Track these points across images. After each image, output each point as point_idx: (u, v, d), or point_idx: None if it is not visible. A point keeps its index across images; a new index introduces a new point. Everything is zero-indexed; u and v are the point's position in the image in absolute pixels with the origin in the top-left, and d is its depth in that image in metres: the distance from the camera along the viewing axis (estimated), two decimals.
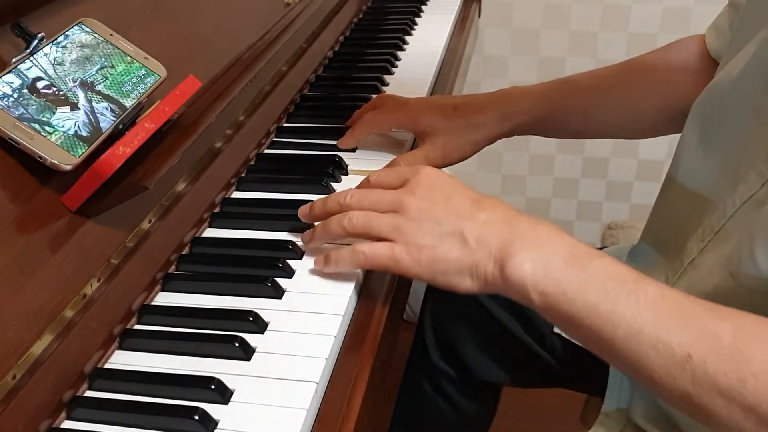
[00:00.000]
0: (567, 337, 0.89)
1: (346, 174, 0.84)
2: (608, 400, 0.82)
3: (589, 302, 0.53)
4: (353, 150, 0.88)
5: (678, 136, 0.77)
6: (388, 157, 0.86)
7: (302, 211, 0.69)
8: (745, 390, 0.47)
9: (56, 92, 0.59)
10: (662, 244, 0.78)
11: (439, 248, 0.59)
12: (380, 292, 0.68)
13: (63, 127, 0.58)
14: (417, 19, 1.32)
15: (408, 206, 0.61)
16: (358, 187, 0.69)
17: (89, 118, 0.60)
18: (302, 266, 0.68)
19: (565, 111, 0.87)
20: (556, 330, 0.90)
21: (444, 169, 0.74)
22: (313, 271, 0.68)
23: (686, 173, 0.73)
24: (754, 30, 0.68)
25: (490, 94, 0.88)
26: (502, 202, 0.61)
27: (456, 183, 0.63)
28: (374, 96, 1.01)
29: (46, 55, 0.60)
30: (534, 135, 0.90)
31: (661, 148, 1.82)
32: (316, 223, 0.69)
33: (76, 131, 0.58)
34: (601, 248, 0.99)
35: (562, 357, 0.93)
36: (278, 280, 0.66)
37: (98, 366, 0.59)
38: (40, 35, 0.60)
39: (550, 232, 0.58)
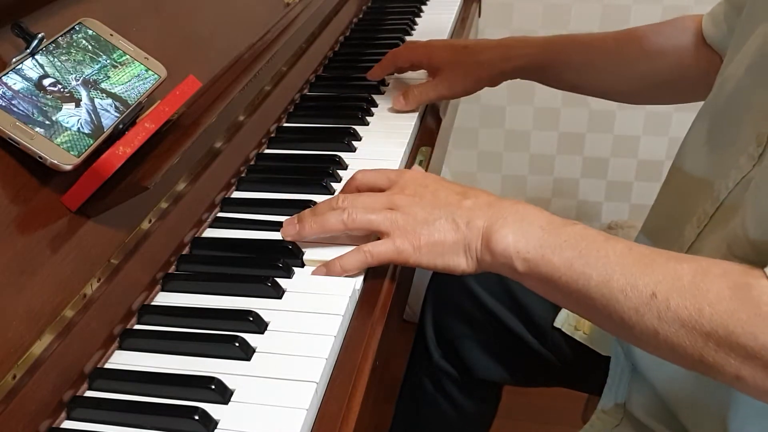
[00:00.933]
0: (568, 333, 0.90)
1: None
2: (606, 395, 0.82)
3: (565, 260, 0.59)
4: (353, 150, 0.88)
5: (678, 135, 0.78)
6: (388, 156, 0.86)
7: (287, 229, 0.70)
8: (703, 318, 0.53)
9: (57, 92, 0.59)
10: (660, 234, 0.79)
11: (435, 234, 0.64)
12: (380, 292, 0.68)
13: (63, 127, 0.58)
14: (417, 19, 1.32)
15: (400, 204, 0.66)
16: (345, 187, 0.74)
17: (90, 119, 0.60)
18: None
19: (560, 63, 0.95)
20: (557, 325, 0.90)
21: (445, 170, 0.76)
22: (313, 272, 0.68)
23: (690, 162, 0.75)
24: (755, 25, 0.69)
25: (497, 40, 0.98)
26: (484, 190, 0.68)
27: (439, 179, 0.69)
28: (375, 96, 1.01)
29: (46, 55, 0.60)
30: (531, 80, 0.99)
31: (661, 148, 1.82)
32: (301, 228, 0.70)
33: (76, 131, 0.58)
34: None
35: (563, 355, 0.93)
36: (278, 280, 0.66)
37: (98, 366, 0.59)
38: (40, 35, 0.60)
39: (528, 208, 0.64)
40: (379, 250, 0.65)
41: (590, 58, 0.95)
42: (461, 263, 0.65)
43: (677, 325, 0.54)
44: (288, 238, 0.69)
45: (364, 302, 0.66)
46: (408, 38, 1.23)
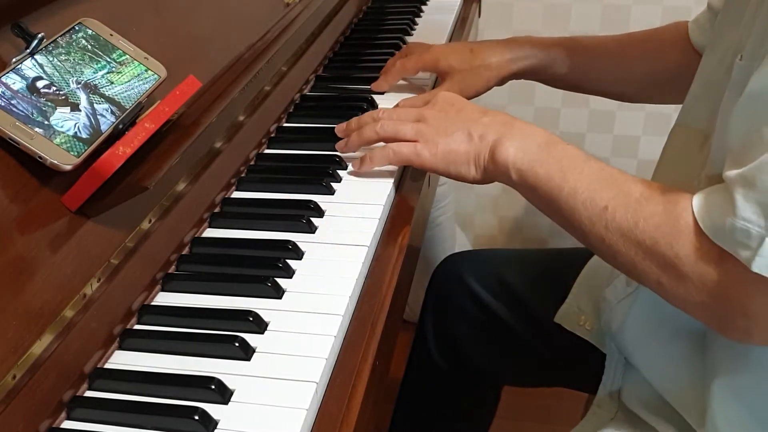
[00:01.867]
0: (567, 329, 0.90)
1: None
2: (601, 390, 0.83)
3: (547, 173, 0.69)
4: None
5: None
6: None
7: (339, 127, 0.85)
8: (637, 229, 0.63)
9: (56, 92, 0.59)
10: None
11: (451, 143, 0.74)
12: (380, 292, 0.68)
13: (63, 127, 0.58)
14: (417, 19, 1.32)
15: (428, 116, 0.77)
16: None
17: (89, 119, 0.60)
18: (302, 266, 0.68)
19: (564, 64, 1.00)
20: (557, 320, 0.91)
21: None
22: (313, 272, 0.68)
23: (690, 116, 0.80)
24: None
25: (502, 40, 1.03)
26: (505, 113, 0.76)
27: (468, 101, 0.80)
28: (375, 96, 1.01)
29: (46, 55, 0.60)
30: (536, 81, 1.04)
31: (660, 148, 1.82)
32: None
33: (76, 131, 0.58)
34: None
35: (562, 351, 0.93)
36: (278, 280, 0.66)
37: (98, 366, 0.59)
38: (40, 35, 0.60)
39: (535, 129, 0.74)
40: (401, 150, 0.76)
41: (592, 59, 1.00)
42: (470, 172, 0.75)
43: (618, 234, 0.64)
44: (340, 140, 0.83)
45: (364, 302, 0.66)
46: (408, 38, 1.23)
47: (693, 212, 0.61)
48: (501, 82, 1.02)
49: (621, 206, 0.64)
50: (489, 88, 1.01)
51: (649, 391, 0.76)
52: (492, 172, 0.73)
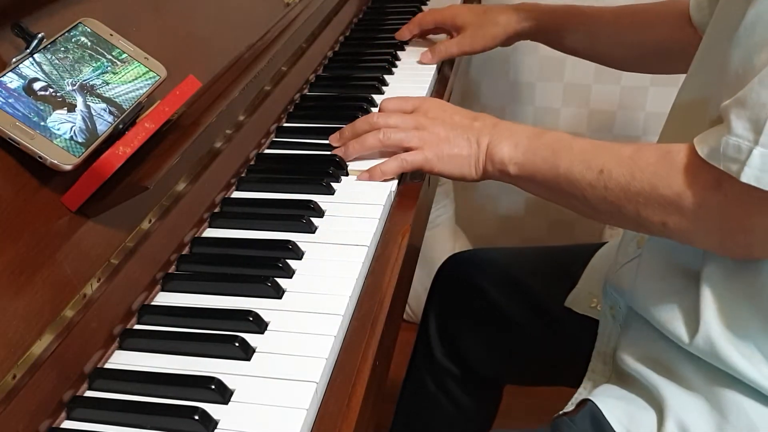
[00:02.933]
0: (578, 312, 0.91)
1: (346, 174, 0.84)
2: (595, 357, 0.86)
3: (542, 158, 0.75)
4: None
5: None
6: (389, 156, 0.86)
7: (333, 137, 0.88)
8: (635, 180, 0.67)
9: (56, 92, 0.59)
10: None
11: (454, 149, 0.80)
12: (380, 292, 0.68)
13: (63, 127, 0.58)
14: None
15: (425, 124, 0.82)
16: (377, 112, 0.88)
17: (89, 119, 0.60)
18: (302, 266, 0.68)
19: (564, 29, 1.12)
20: (567, 304, 0.93)
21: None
22: (313, 272, 0.68)
23: (687, 89, 0.81)
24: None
25: (512, 5, 1.15)
26: (490, 115, 0.83)
27: (453, 106, 0.86)
28: (375, 96, 1.01)
29: (46, 55, 0.60)
30: (538, 42, 1.17)
31: None
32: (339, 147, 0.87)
33: (75, 131, 0.58)
34: (603, 244, 1.00)
35: (568, 344, 0.93)
36: (278, 280, 0.66)
37: (98, 366, 0.59)
38: (40, 35, 0.60)
39: (521, 125, 0.81)
40: (413, 158, 0.80)
41: (590, 27, 1.10)
42: (472, 172, 0.80)
43: (617, 190, 0.69)
44: (335, 147, 0.86)
45: (364, 302, 0.66)
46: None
47: (688, 148, 0.65)
48: (507, 41, 1.14)
49: (615, 165, 0.69)
50: (496, 45, 1.14)
51: (645, 348, 0.78)
52: (491, 171, 0.80)
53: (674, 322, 0.73)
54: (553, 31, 1.13)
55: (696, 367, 0.72)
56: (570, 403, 0.83)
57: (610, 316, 0.85)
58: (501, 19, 1.13)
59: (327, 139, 0.89)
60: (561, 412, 0.81)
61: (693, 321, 0.71)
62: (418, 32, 1.19)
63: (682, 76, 0.83)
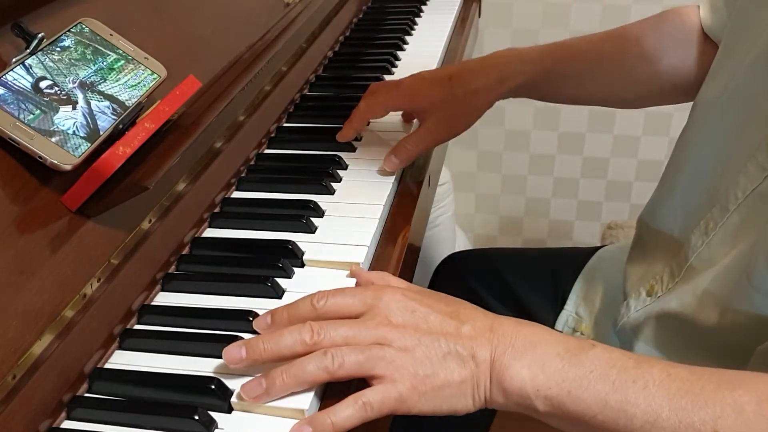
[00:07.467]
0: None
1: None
2: None
3: (597, 396, 0.51)
4: (353, 150, 0.88)
5: (675, 137, 0.78)
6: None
7: (232, 355, 0.55)
8: None
9: (56, 92, 0.59)
10: (662, 237, 0.79)
11: (441, 374, 0.53)
12: None
13: (63, 127, 0.58)
14: (417, 19, 1.32)
15: (391, 338, 0.54)
16: (293, 306, 0.57)
17: (89, 119, 0.60)
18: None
19: (558, 76, 0.87)
20: (558, 328, 0.91)
21: (445, 171, 0.74)
22: (313, 272, 0.68)
23: (693, 164, 0.73)
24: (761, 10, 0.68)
25: (483, 59, 0.87)
26: (474, 306, 0.59)
27: (422, 297, 0.58)
28: None
29: (46, 55, 0.60)
30: (530, 98, 0.90)
31: (661, 148, 1.82)
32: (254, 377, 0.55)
33: (75, 131, 0.58)
34: (601, 247, 1.00)
35: None
36: (278, 280, 0.66)
37: (98, 366, 0.59)
38: (40, 35, 0.60)
39: (536, 330, 0.55)
40: (379, 400, 0.52)
41: (587, 66, 0.89)
42: (468, 405, 0.55)
43: None
44: (251, 401, 0.53)
45: None
46: (408, 38, 1.23)
47: None
48: (491, 106, 0.87)
49: (740, 428, 0.47)
50: (479, 117, 0.86)
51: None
52: (502, 402, 0.55)
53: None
54: (544, 82, 0.87)
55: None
56: None
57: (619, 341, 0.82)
58: (478, 84, 0.84)
59: (327, 140, 0.89)
60: None
61: None
62: (363, 126, 0.88)
63: None
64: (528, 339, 0.54)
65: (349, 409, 0.52)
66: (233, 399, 0.54)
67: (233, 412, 0.54)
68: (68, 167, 0.56)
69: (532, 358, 0.53)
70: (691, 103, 0.80)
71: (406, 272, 0.74)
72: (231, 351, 0.55)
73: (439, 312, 0.56)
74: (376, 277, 0.62)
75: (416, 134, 0.83)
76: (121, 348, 0.61)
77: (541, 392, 0.52)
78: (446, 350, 0.54)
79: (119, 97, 0.63)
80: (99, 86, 0.63)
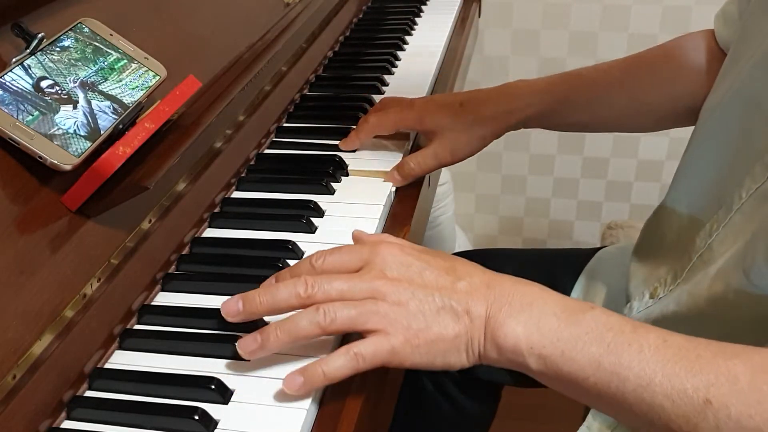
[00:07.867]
0: None
1: (347, 175, 0.84)
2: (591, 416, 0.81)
3: (591, 358, 0.50)
4: (353, 150, 0.88)
5: (679, 135, 0.78)
6: (389, 156, 0.86)
7: (229, 307, 0.57)
8: None
9: (56, 92, 0.59)
10: (668, 240, 0.79)
11: (434, 328, 0.54)
12: None
13: (63, 127, 0.58)
14: (417, 19, 1.32)
15: (385, 291, 0.54)
16: (295, 267, 0.59)
17: (89, 119, 0.60)
18: None
19: (569, 105, 0.87)
20: None
21: (444, 171, 0.74)
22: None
23: (697, 166, 0.74)
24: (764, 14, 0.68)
25: (494, 89, 0.88)
26: (472, 263, 0.58)
27: (420, 253, 0.58)
28: (375, 96, 1.01)
29: (46, 55, 0.60)
30: (539, 128, 0.90)
31: (661, 148, 1.82)
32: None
33: (75, 131, 0.58)
34: (601, 247, 1.00)
35: None
36: None
37: (98, 366, 0.59)
38: (40, 35, 0.60)
39: (534, 289, 0.55)
40: (371, 352, 0.53)
41: (598, 94, 0.88)
42: (462, 360, 0.55)
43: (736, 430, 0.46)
44: (246, 355, 0.56)
45: None
46: (408, 38, 1.23)
47: None
48: (498, 136, 0.87)
49: (733, 397, 0.46)
50: (485, 146, 0.86)
51: None
52: (495, 357, 0.54)
53: None
54: (554, 112, 0.87)
55: None
56: None
57: None
58: (486, 113, 0.84)
59: (327, 140, 0.89)
60: None
61: None
62: (369, 138, 0.88)
63: None
64: (526, 297, 0.54)
65: (341, 359, 0.53)
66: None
67: (233, 412, 0.54)
68: (68, 167, 0.56)
69: (528, 316, 0.53)
70: None
71: None
72: (228, 304, 0.56)
73: (436, 267, 0.56)
74: (376, 238, 0.63)
75: (421, 154, 0.84)
76: (121, 348, 0.61)
77: (535, 350, 0.52)
78: (440, 305, 0.54)
79: (119, 97, 0.63)
80: (99, 86, 0.63)
